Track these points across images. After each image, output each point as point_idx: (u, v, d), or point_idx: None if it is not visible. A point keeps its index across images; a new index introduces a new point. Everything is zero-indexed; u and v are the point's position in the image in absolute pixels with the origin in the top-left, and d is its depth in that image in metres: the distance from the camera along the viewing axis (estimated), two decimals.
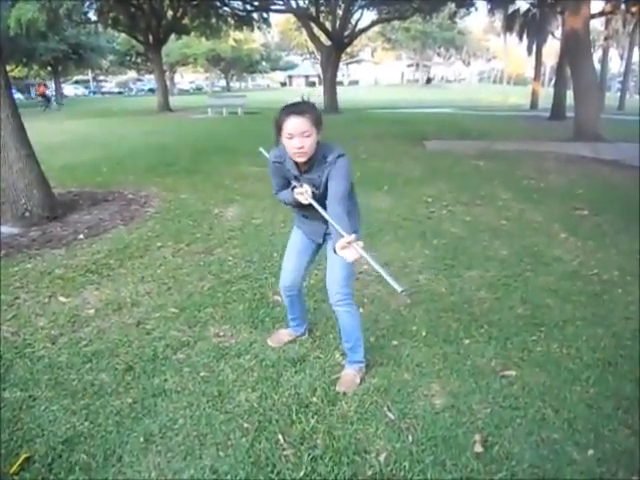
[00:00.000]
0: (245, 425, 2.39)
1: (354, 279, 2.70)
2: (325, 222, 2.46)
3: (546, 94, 26.89)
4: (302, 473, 2.10)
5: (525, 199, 6.59)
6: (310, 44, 34.09)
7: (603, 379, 2.70)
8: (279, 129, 2.25)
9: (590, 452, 2.20)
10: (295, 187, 2.38)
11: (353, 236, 1.91)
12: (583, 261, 4.41)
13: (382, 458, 2.18)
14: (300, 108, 2.23)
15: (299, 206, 2.46)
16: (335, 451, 2.22)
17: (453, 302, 3.65)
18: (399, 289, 1.78)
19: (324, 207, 2.31)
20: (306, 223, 2.67)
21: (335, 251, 1.92)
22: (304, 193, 2.32)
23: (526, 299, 3.68)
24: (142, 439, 2.30)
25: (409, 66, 78.98)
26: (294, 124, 2.18)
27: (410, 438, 2.30)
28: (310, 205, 2.33)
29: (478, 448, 2.22)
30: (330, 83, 22.57)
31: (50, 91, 34.09)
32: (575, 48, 12.16)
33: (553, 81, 26.00)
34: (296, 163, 2.35)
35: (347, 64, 68.06)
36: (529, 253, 4.61)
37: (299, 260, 2.80)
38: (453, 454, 2.20)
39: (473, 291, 3.84)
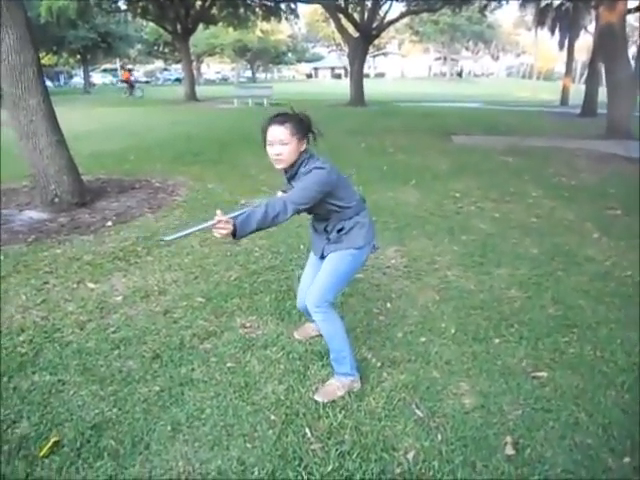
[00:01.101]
0: (272, 417, 2.38)
1: (338, 290, 2.60)
2: (326, 237, 2.54)
3: (576, 90, 26.33)
4: (330, 468, 2.08)
5: (556, 197, 6.44)
6: (337, 36, 33.89)
7: (639, 385, 2.62)
8: (264, 136, 2.35)
9: (626, 460, 2.14)
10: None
11: (221, 217, 2.01)
12: (616, 262, 4.29)
13: (410, 456, 2.15)
14: (282, 118, 2.32)
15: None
16: (363, 447, 2.20)
17: (482, 300, 3.59)
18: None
19: (321, 219, 2.53)
20: (313, 236, 2.70)
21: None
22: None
23: (557, 299, 3.59)
24: (169, 428, 2.31)
25: (436, 59, 78.06)
26: (273, 132, 2.29)
27: (439, 437, 2.26)
28: (316, 216, 2.56)
29: (509, 450, 2.17)
30: (357, 75, 22.35)
31: (134, 78, 32.74)
32: (610, 43, 11.81)
33: (584, 77, 25.43)
34: (285, 171, 2.41)
35: (374, 56, 67.53)
36: (560, 252, 4.51)
37: (310, 279, 2.67)
38: (483, 455, 2.15)
39: (503, 289, 3.76)
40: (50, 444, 2.18)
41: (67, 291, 3.67)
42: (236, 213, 2.12)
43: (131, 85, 29.57)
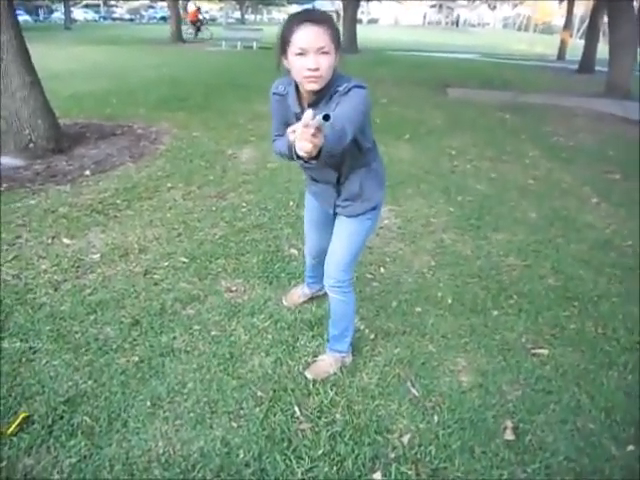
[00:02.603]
0: (259, 393, 2.24)
1: (355, 262, 2.27)
2: (337, 190, 2.06)
3: (574, 45, 25.73)
4: (320, 452, 1.95)
5: (553, 157, 6.24)
6: None
7: None
8: (285, 43, 1.69)
9: (630, 448, 2.03)
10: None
11: (309, 112, 1.28)
12: (616, 230, 4.15)
13: (406, 440, 2.03)
14: (317, 16, 1.66)
15: (302, 162, 1.68)
16: (355, 428, 2.07)
17: (480, 267, 3.44)
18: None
19: (332, 166, 1.93)
20: (317, 187, 2.17)
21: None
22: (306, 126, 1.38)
23: (557, 269, 3.46)
24: (149, 403, 2.15)
25: (432, 7, 75.67)
26: (309, 35, 1.63)
27: (436, 419, 2.14)
28: (318, 163, 1.53)
29: (509, 435, 2.06)
30: (350, 21, 21.50)
31: (203, 17, 26.95)
32: None
33: (581, 31, 24.75)
34: (298, 96, 1.82)
35: (367, 1, 65.00)
36: (559, 217, 4.36)
37: (321, 232, 2.37)
38: (482, 440, 2.04)
39: (501, 256, 3.61)
40: (19, 420, 2.01)
41: (41, 247, 3.44)
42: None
43: (198, 27, 25.88)
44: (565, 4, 25.01)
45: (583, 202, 4.77)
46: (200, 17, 26.41)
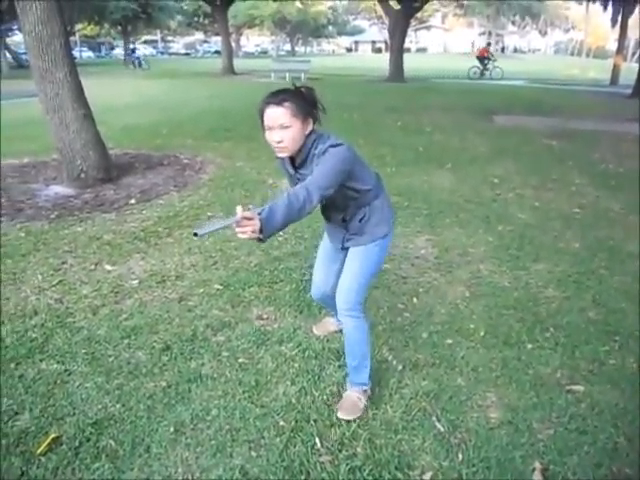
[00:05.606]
0: (281, 423, 2.23)
1: (368, 287, 2.38)
2: (345, 227, 2.27)
3: (628, 69, 25.02)
4: None
5: (601, 185, 6.05)
6: (379, 8, 32.90)
7: None
8: (261, 120, 2.00)
9: None
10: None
11: (245, 213, 1.61)
12: None
13: (427, 477, 1.97)
14: (279, 97, 1.96)
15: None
16: (376, 463, 2.03)
17: (517, 299, 3.34)
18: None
19: (336, 209, 2.23)
20: (329, 225, 2.41)
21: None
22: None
23: (599, 301, 3.32)
24: (172, 429, 2.19)
25: (481, 34, 75.42)
26: (270, 115, 1.95)
27: (460, 456, 2.07)
28: (329, 206, 2.21)
29: (538, 477, 1.97)
30: (397, 50, 21.71)
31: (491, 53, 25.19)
32: None
33: (637, 55, 24.05)
34: (291, 158, 2.09)
35: (416, 30, 65.66)
36: (604, 247, 4.20)
37: (328, 271, 2.52)
38: None
39: (539, 287, 3.51)
40: (49, 440, 2.09)
41: (84, 272, 3.59)
42: (259, 209, 1.71)
43: (485, 63, 24.42)
44: (618, 28, 24.40)
45: (629, 231, 4.58)
46: (488, 55, 25.10)
